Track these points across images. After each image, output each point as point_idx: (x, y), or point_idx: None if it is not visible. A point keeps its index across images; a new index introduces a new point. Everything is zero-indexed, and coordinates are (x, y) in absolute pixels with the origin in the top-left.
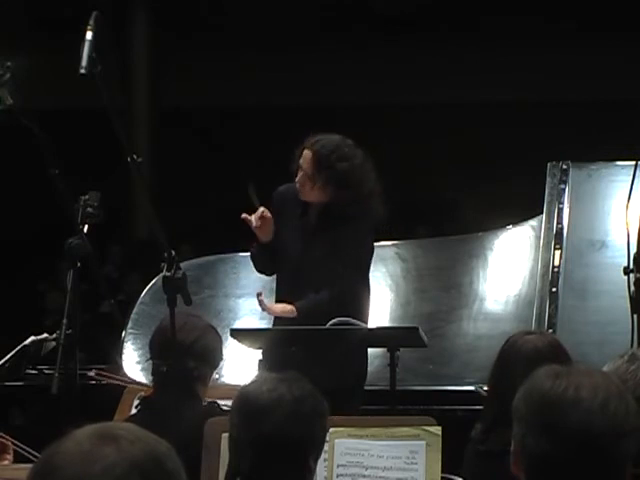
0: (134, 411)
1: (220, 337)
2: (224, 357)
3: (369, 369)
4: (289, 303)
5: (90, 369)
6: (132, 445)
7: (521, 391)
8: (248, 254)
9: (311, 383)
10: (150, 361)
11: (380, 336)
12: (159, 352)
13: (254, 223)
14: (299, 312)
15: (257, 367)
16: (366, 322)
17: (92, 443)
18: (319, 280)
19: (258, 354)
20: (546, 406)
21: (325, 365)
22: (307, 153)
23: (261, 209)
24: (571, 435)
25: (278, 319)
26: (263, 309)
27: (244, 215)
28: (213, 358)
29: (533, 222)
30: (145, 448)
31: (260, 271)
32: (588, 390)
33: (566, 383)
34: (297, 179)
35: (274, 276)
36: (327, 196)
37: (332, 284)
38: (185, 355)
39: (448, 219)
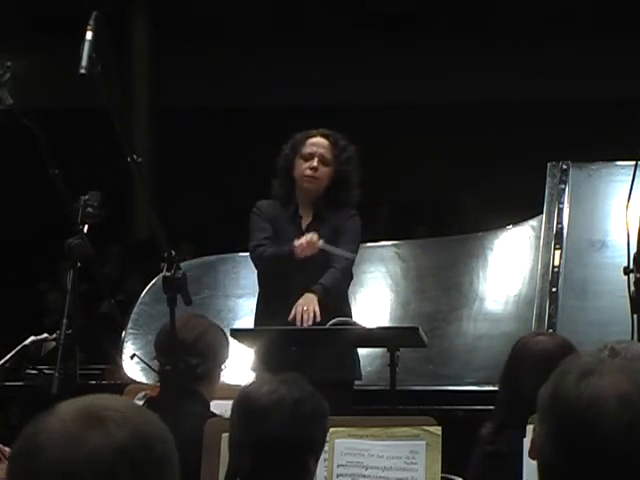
0: None
1: (225, 334)
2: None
3: (369, 369)
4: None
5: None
6: (119, 429)
7: (549, 386)
8: (248, 254)
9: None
10: (154, 360)
11: (380, 336)
12: (163, 351)
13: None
14: (323, 295)
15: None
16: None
17: (77, 425)
18: (326, 262)
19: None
20: (569, 417)
21: (318, 360)
22: (321, 140)
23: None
24: (592, 452)
25: (274, 318)
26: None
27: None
28: (217, 355)
29: (533, 222)
30: (133, 432)
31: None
32: (615, 404)
33: (595, 395)
34: (310, 165)
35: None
36: (332, 180)
37: (338, 260)
38: (187, 353)
39: (448, 219)
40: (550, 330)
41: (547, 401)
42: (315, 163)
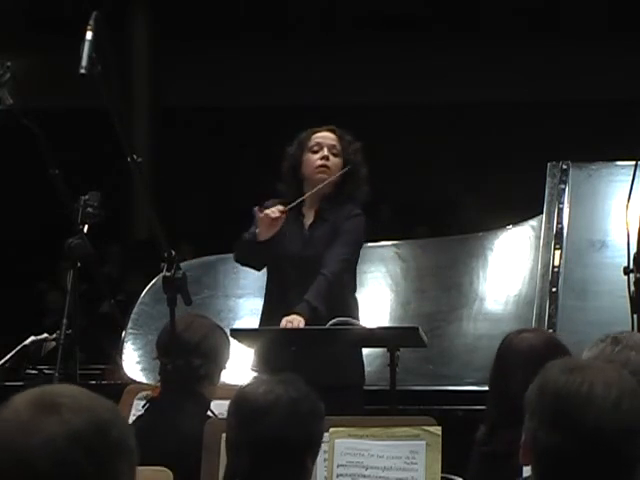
0: (141, 411)
1: (227, 337)
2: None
3: (369, 369)
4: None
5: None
6: (74, 415)
7: (535, 384)
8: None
9: (308, 380)
10: (156, 360)
11: (380, 336)
12: (165, 351)
13: (274, 214)
14: (309, 314)
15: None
16: (354, 296)
17: (31, 413)
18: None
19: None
20: (559, 402)
21: (323, 362)
22: (328, 134)
23: (281, 207)
24: (583, 432)
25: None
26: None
27: (259, 209)
28: (220, 357)
29: (533, 222)
30: (88, 418)
31: (244, 261)
32: (602, 387)
33: (580, 379)
34: (321, 157)
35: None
36: (340, 176)
37: (329, 264)
38: (191, 354)
39: (448, 219)
40: (550, 330)
41: (535, 395)
42: (326, 152)
